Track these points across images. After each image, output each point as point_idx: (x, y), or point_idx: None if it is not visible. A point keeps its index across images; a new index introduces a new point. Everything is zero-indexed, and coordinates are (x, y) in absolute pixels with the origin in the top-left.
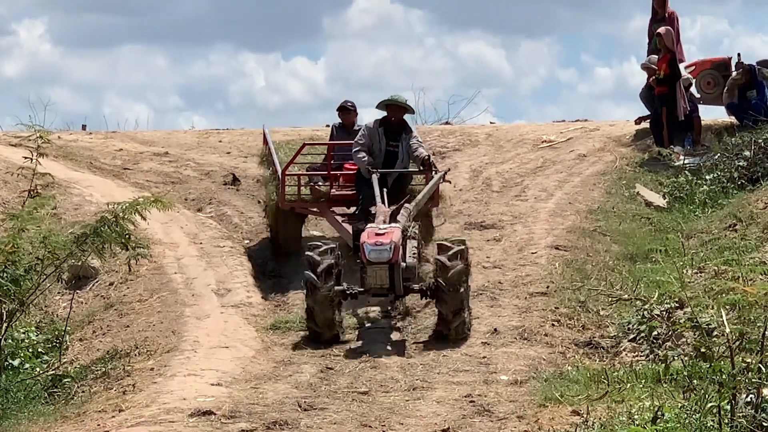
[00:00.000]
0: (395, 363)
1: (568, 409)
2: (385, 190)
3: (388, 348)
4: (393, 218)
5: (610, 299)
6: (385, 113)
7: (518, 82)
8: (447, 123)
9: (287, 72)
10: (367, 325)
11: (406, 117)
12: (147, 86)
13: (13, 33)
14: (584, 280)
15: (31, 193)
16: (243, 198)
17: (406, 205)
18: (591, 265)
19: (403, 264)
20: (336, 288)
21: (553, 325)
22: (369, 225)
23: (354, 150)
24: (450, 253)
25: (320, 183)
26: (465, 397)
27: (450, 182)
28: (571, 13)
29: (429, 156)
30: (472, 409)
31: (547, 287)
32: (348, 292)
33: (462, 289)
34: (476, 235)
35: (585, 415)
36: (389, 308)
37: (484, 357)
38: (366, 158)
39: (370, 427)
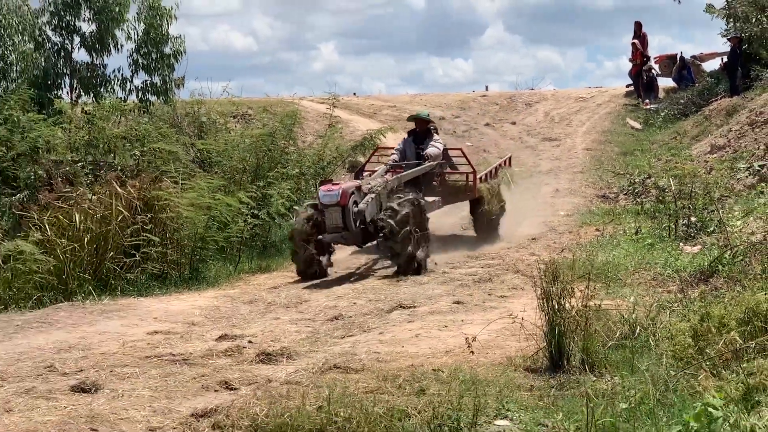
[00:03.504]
0: None
1: (593, 228)
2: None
3: None
4: (356, 177)
5: (613, 173)
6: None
7: (566, 70)
8: (532, 89)
9: (453, 66)
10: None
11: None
12: (383, 74)
13: (318, 48)
14: (600, 165)
15: (330, 126)
16: None
17: (387, 176)
18: (604, 157)
19: (356, 208)
20: (311, 231)
21: (585, 187)
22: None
23: (391, 155)
24: (399, 201)
25: None
26: (542, 222)
27: (440, 174)
28: (592, 33)
29: (425, 152)
30: (546, 228)
31: (582, 169)
32: (320, 237)
33: (407, 228)
34: (547, 144)
35: (602, 231)
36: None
37: (552, 203)
38: (394, 158)
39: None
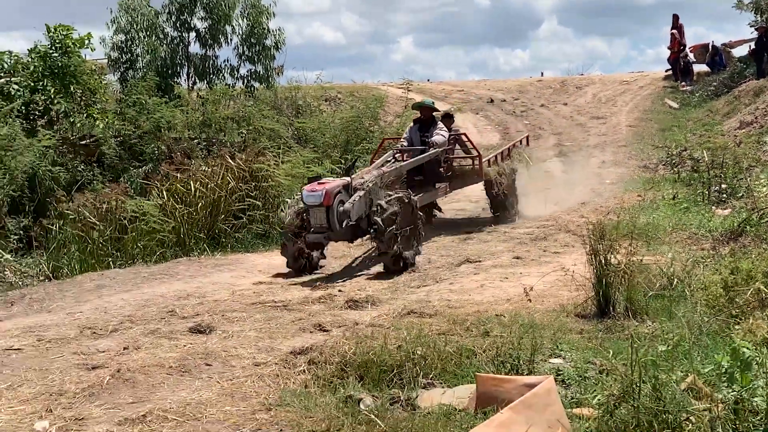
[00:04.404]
0: None
1: (636, 194)
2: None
3: None
4: (347, 173)
5: (653, 146)
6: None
7: (612, 57)
8: (581, 74)
9: (513, 55)
10: None
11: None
12: (453, 63)
13: (397, 42)
14: (642, 139)
15: (406, 107)
16: (494, 108)
17: (384, 169)
18: (645, 133)
19: (341, 208)
20: (301, 225)
21: (628, 159)
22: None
23: (400, 144)
24: (388, 199)
25: None
26: (590, 189)
27: (447, 162)
28: (636, 24)
29: (429, 140)
30: (593, 194)
31: (626, 143)
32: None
33: (394, 226)
34: (594, 121)
35: (643, 196)
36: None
37: (599, 173)
38: (403, 145)
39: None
